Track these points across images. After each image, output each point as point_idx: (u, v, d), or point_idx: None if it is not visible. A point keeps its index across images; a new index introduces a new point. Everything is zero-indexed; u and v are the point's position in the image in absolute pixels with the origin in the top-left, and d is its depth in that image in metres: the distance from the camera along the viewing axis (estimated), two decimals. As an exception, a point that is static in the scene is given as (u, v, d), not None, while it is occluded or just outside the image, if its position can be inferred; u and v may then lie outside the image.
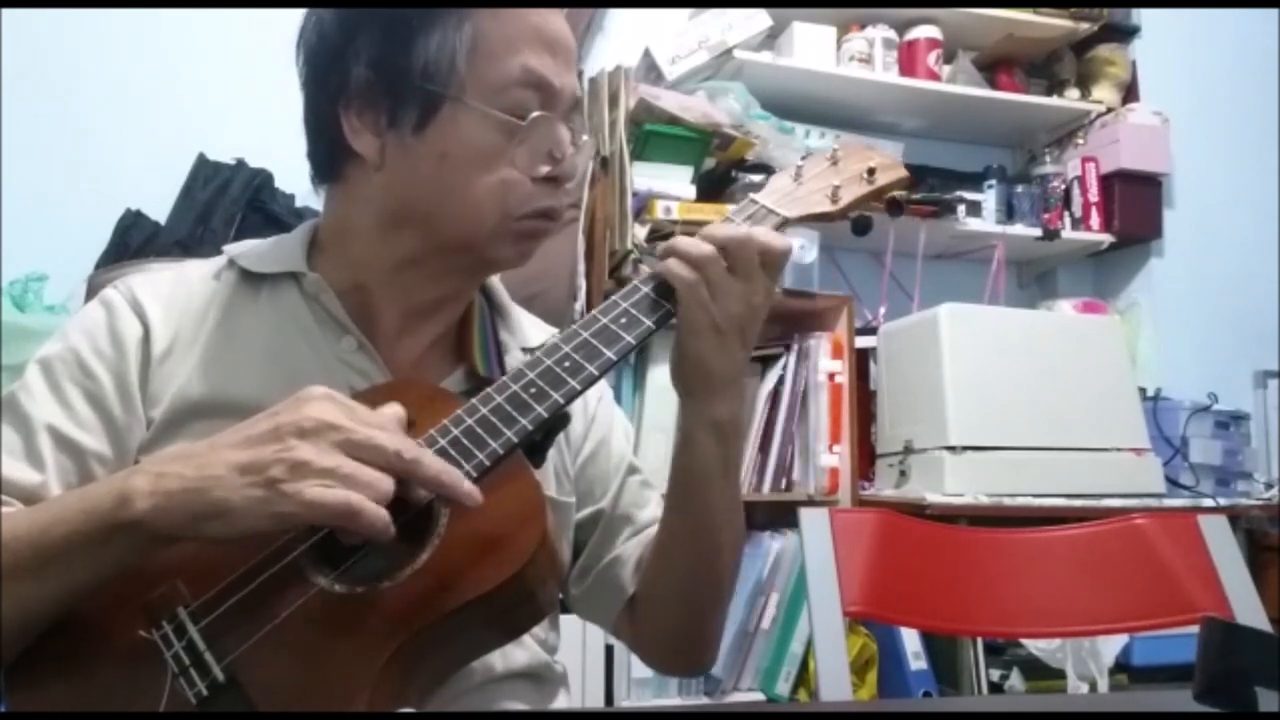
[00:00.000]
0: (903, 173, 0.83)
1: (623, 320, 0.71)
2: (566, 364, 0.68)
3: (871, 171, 0.81)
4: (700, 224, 2.23)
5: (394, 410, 0.62)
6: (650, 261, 1.94)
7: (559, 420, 0.67)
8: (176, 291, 0.80)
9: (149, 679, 0.57)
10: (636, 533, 0.90)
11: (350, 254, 0.81)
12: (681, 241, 0.73)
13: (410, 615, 0.59)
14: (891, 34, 2.43)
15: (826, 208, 0.79)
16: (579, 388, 0.67)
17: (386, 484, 0.57)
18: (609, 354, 0.69)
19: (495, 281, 0.92)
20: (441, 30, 0.74)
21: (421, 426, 0.63)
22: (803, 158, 0.84)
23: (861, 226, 0.82)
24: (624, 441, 0.93)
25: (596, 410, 0.92)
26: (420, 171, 0.76)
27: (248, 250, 0.84)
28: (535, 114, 0.75)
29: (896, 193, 1.97)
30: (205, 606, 0.59)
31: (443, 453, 0.63)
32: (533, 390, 0.66)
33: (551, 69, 0.76)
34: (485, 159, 0.75)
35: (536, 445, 0.68)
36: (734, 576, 0.86)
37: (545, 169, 0.77)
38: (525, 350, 0.88)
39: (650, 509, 0.92)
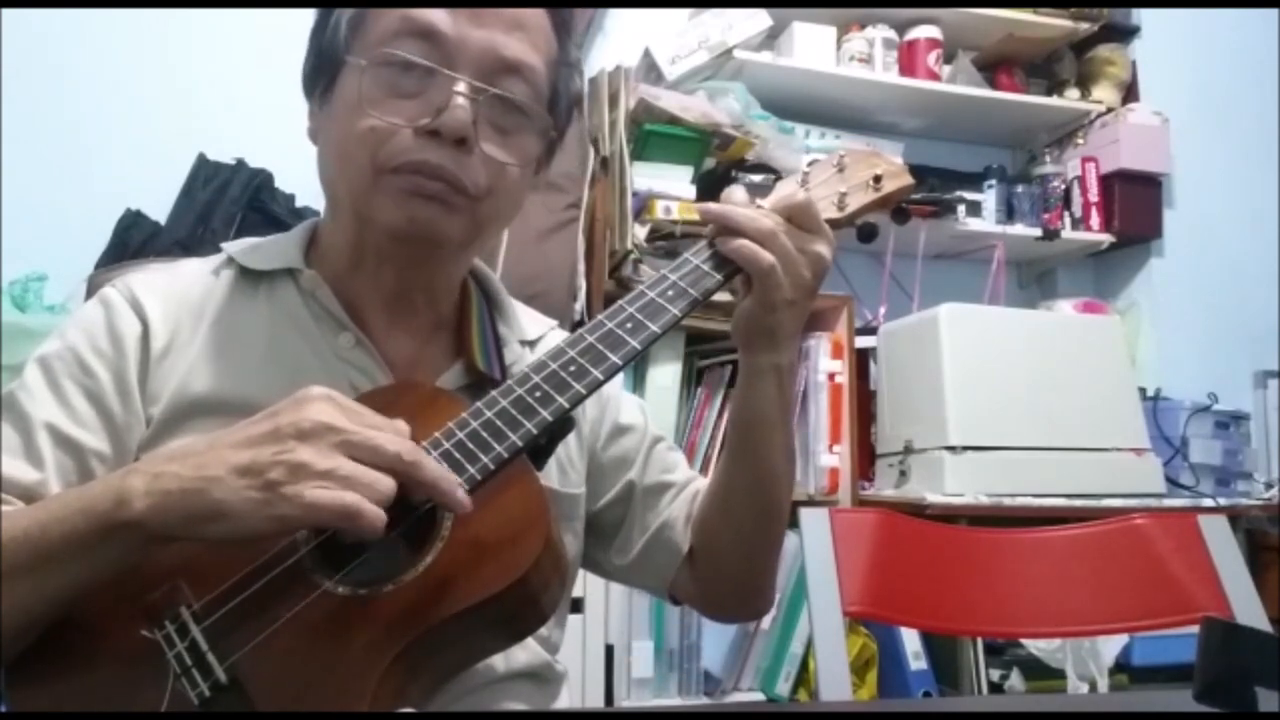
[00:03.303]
0: (909, 180, 0.83)
1: (628, 326, 0.71)
2: (572, 369, 0.68)
3: (878, 179, 0.81)
4: (701, 224, 2.20)
5: (396, 422, 0.61)
6: (651, 262, 1.94)
7: (564, 424, 0.67)
8: (175, 289, 0.80)
9: (150, 679, 0.57)
10: (678, 493, 0.91)
11: (329, 246, 0.82)
12: (739, 217, 0.73)
13: (413, 619, 0.59)
14: (891, 34, 2.43)
15: (833, 215, 0.80)
16: (584, 392, 0.67)
17: (387, 484, 0.57)
18: (614, 358, 0.69)
19: (490, 274, 0.92)
20: (359, 6, 0.76)
21: (424, 429, 0.63)
22: (809, 164, 0.84)
23: (867, 234, 0.83)
24: (639, 414, 0.94)
25: (607, 393, 0.92)
26: (327, 139, 0.78)
27: (246, 247, 0.84)
28: (385, 52, 0.73)
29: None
30: (208, 607, 0.59)
31: (447, 456, 0.62)
32: (538, 394, 0.66)
33: (445, 20, 0.73)
34: (357, 110, 0.73)
35: (541, 449, 0.67)
36: (788, 517, 0.87)
37: (425, 120, 0.72)
38: (523, 343, 0.88)
39: (682, 469, 0.93)
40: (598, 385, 0.68)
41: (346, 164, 0.75)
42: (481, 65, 0.74)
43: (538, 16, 0.78)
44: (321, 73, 0.78)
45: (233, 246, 0.84)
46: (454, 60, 0.73)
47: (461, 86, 0.73)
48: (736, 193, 0.77)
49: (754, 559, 0.87)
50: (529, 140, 0.79)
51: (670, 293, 0.73)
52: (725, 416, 1.99)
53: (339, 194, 0.78)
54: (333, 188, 0.79)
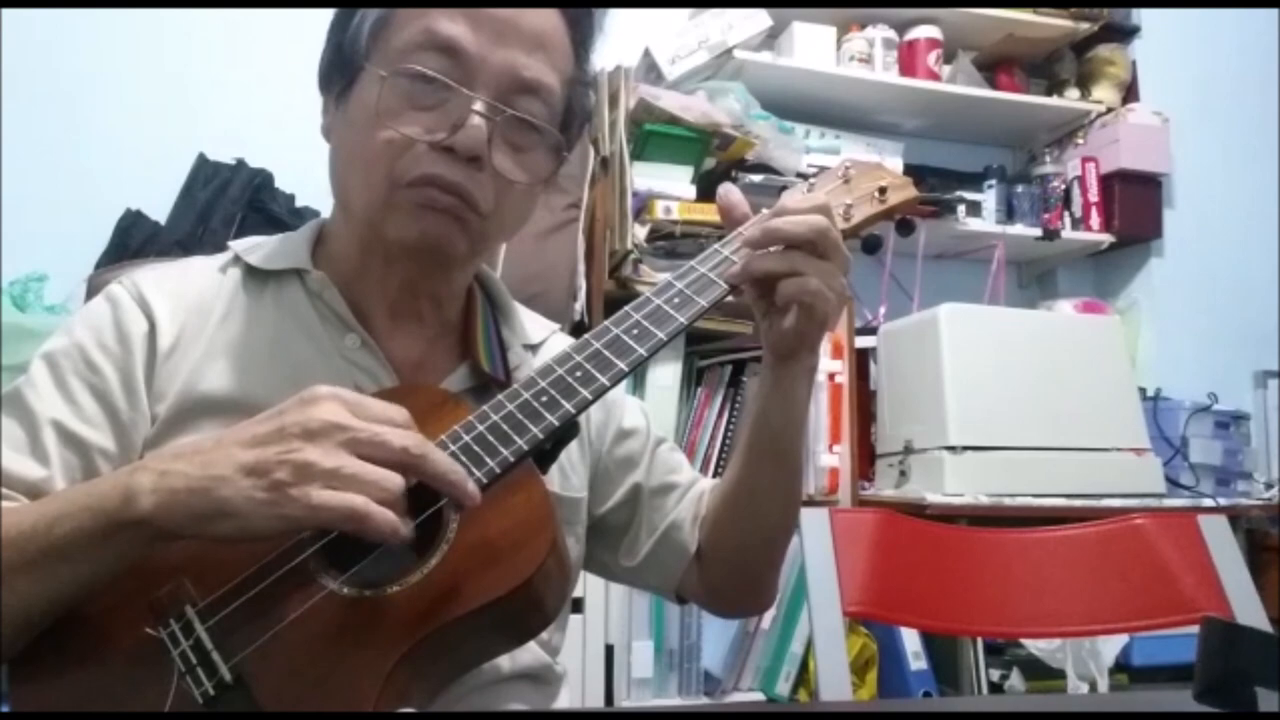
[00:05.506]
0: (913, 193, 0.84)
1: (634, 333, 0.71)
2: (578, 374, 0.68)
3: (883, 191, 0.81)
4: (700, 224, 2.19)
5: (401, 411, 0.62)
6: (651, 262, 1.94)
7: (569, 429, 0.67)
8: (182, 287, 0.80)
9: (154, 677, 0.57)
10: (684, 494, 0.91)
11: (336, 247, 0.82)
12: (786, 227, 0.71)
13: (418, 620, 0.59)
14: (891, 34, 2.43)
15: (840, 225, 0.80)
16: (591, 398, 0.67)
17: (394, 481, 0.56)
18: (621, 365, 0.69)
19: (494, 278, 0.92)
20: (365, 7, 0.77)
21: (429, 432, 0.63)
22: (813, 175, 0.85)
23: (873, 246, 0.83)
24: (641, 417, 0.95)
25: (610, 396, 0.92)
26: (342, 143, 0.78)
27: (254, 246, 0.84)
28: (406, 66, 0.73)
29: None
30: (213, 605, 0.59)
31: (454, 458, 0.62)
32: (544, 399, 0.66)
33: (468, 37, 0.73)
34: (375, 120, 0.73)
35: (546, 454, 0.68)
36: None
37: (440, 135, 0.72)
38: (526, 347, 0.88)
39: (686, 470, 0.94)
40: (604, 392, 0.68)
41: (362, 173, 0.75)
42: (500, 84, 0.74)
43: (560, 34, 0.79)
44: (339, 73, 0.78)
45: (240, 245, 0.84)
46: (473, 78, 0.73)
47: (479, 105, 0.73)
48: (734, 191, 0.77)
49: (771, 554, 0.88)
50: (542, 158, 0.79)
51: (676, 300, 0.73)
52: (725, 416, 1.99)
53: (351, 200, 0.78)
54: (345, 193, 0.79)
